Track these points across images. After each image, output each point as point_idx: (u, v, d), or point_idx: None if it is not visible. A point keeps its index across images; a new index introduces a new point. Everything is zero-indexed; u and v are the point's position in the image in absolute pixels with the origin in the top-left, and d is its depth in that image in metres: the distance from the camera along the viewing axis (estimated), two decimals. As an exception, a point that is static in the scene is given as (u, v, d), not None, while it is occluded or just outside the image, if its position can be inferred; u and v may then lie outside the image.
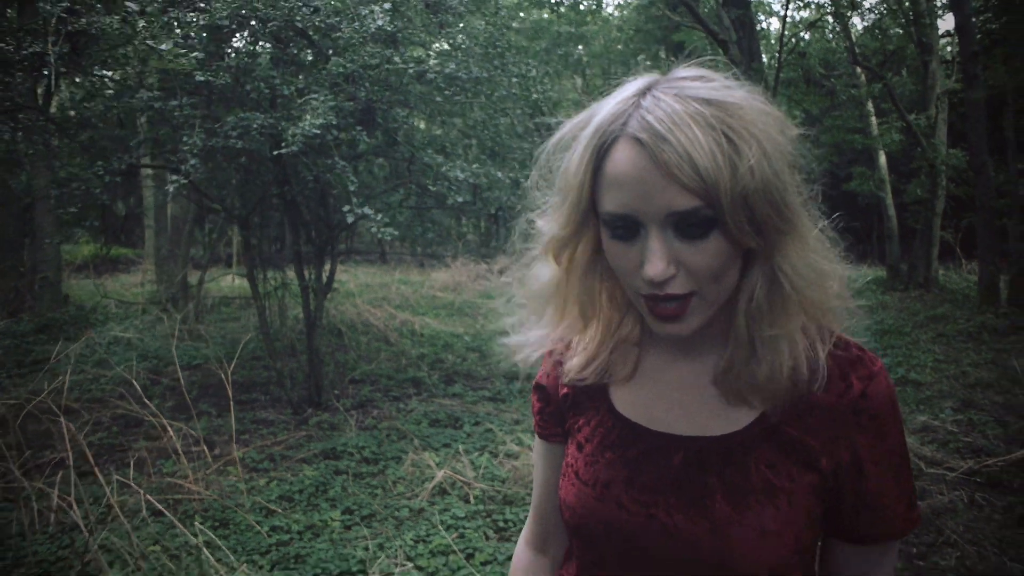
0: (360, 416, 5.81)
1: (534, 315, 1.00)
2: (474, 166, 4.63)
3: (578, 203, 0.85)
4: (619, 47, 16.36)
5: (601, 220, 0.84)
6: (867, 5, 12.52)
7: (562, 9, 10.86)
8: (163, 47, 3.85)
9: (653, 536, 0.87)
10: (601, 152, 0.82)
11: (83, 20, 3.93)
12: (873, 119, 13.27)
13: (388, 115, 4.38)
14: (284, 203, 5.88)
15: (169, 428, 4.02)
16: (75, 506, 2.91)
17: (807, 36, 13.37)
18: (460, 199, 4.53)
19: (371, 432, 5.33)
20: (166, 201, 11.25)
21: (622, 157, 0.79)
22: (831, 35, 12.62)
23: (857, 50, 11.96)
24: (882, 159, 13.47)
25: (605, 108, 0.84)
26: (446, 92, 4.47)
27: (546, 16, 13.96)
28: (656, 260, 0.78)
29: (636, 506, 0.88)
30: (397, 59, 4.04)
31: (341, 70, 3.95)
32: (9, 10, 7.16)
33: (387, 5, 4.21)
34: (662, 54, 18.18)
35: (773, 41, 13.74)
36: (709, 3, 10.85)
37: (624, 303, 0.96)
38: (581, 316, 0.96)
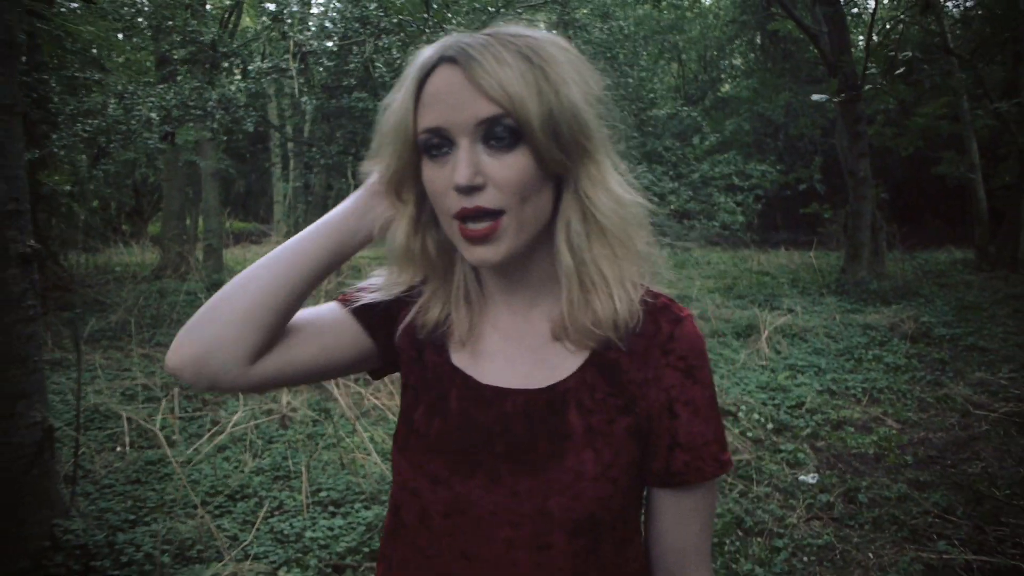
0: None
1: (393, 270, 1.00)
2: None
3: (405, 132, 0.88)
4: (716, 33, 17.07)
5: (420, 148, 0.88)
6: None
7: (663, 3, 11.71)
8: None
9: (476, 487, 0.89)
10: (422, 81, 0.86)
11: (313, 43, 5.21)
12: (966, 104, 13.59)
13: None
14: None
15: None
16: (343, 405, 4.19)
17: (902, 24, 13.76)
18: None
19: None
20: (308, 180, 12.80)
21: (438, 77, 0.85)
22: (927, 23, 13.02)
23: (949, 37, 12.38)
24: (973, 144, 13.80)
25: (425, 52, 0.89)
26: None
27: (648, 9, 14.85)
28: (463, 166, 0.82)
29: (463, 456, 0.91)
30: None
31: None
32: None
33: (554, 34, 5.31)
34: (758, 39, 18.67)
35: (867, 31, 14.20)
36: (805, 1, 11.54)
37: (454, 256, 0.98)
38: (423, 268, 0.98)
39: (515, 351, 0.96)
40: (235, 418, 5.09)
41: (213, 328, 0.91)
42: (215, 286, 11.24)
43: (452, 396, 0.95)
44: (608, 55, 6.49)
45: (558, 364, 0.93)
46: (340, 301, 1.03)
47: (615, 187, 0.90)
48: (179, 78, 7.74)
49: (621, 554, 0.92)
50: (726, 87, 20.53)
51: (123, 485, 4.06)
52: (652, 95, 7.56)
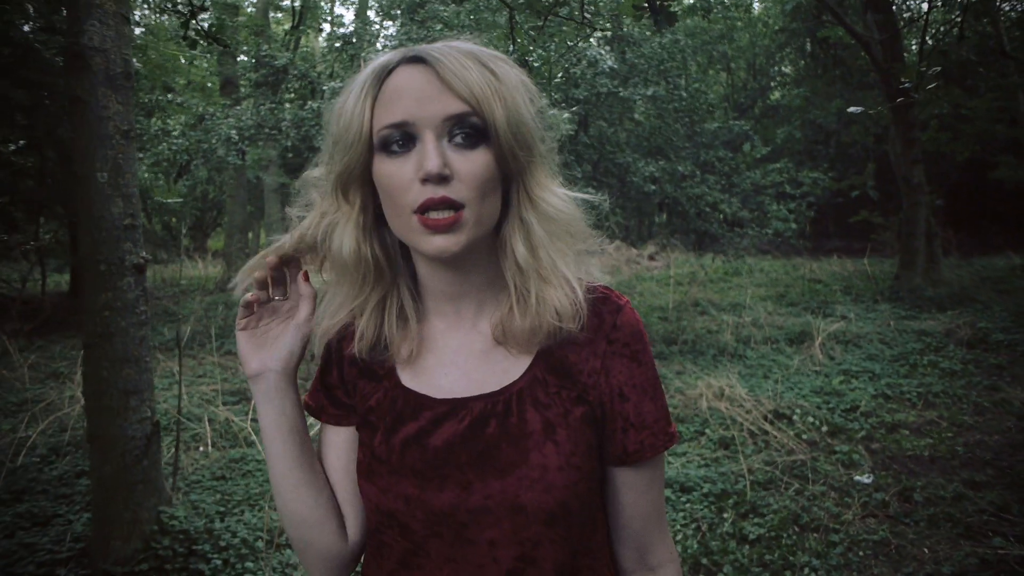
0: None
1: (342, 283, 1.00)
2: (660, 163, 6.00)
3: (359, 130, 0.90)
4: (765, 42, 17.09)
5: (376, 146, 0.90)
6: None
7: (714, 15, 11.82)
8: None
9: (450, 498, 0.92)
10: (380, 82, 0.89)
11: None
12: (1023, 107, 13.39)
13: (596, 125, 5.83)
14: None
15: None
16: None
17: (957, 25, 13.61)
18: (653, 187, 5.92)
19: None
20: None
21: (402, 75, 0.88)
22: (982, 24, 12.90)
23: (1005, 39, 12.24)
24: (1033, 147, 13.56)
25: (376, 60, 0.93)
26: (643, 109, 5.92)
27: (698, 19, 14.95)
28: (434, 156, 0.85)
29: (431, 471, 0.93)
30: (623, 91, 5.50)
31: (582, 95, 5.43)
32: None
33: (608, 50, 5.66)
34: (808, 47, 18.59)
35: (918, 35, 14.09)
36: (856, 5, 11.55)
37: (392, 272, 1.00)
38: (372, 276, 0.98)
39: (465, 360, 0.98)
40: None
41: (310, 562, 1.06)
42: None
43: (407, 417, 0.97)
44: (661, 67, 6.72)
45: (508, 367, 0.97)
46: (308, 411, 1.09)
47: (558, 192, 0.96)
48: (244, 100, 8.15)
49: (591, 533, 0.97)
50: (776, 94, 20.48)
51: (209, 480, 4.36)
52: (708, 106, 7.73)
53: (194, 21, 3.52)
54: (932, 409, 5.62)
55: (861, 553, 3.51)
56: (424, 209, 0.86)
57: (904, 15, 15.34)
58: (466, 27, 5.90)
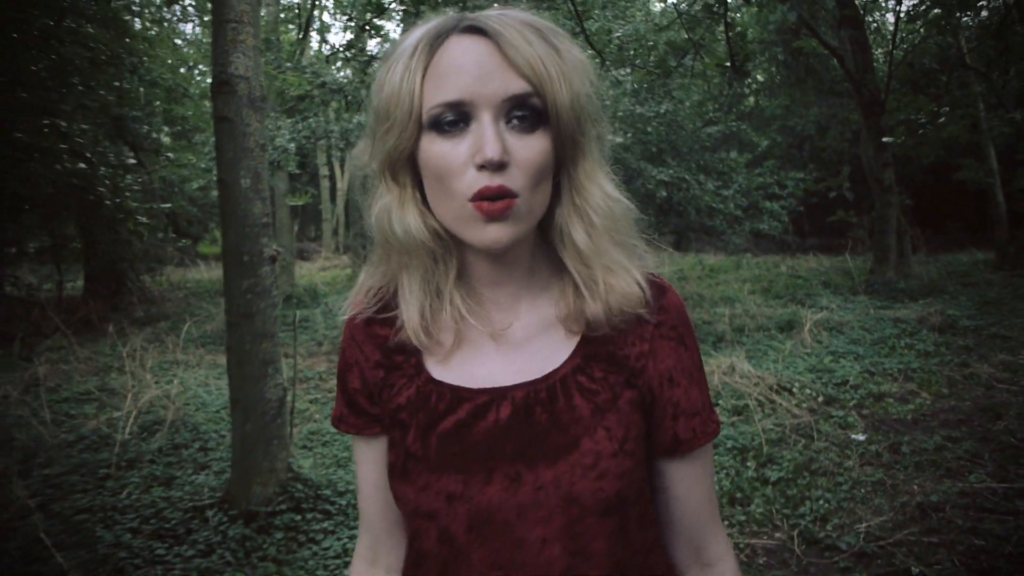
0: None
1: (413, 268, 0.92)
2: (670, 171, 6.74)
3: (409, 106, 0.82)
4: (741, 53, 17.91)
5: (425, 124, 0.83)
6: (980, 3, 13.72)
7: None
8: None
9: (497, 492, 0.86)
10: (431, 53, 0.82)
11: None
12: (983, 113, 14.36)
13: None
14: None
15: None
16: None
17: (921, 31, 14.57)
18: (664, 194, 6.65)
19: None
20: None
21: (458, 48, 0.81)
22: (941, 34, 13.84)
23: (966, 48, 13.21)
24: (992, 150, 14.56)
25: (425, 26, 0.86)
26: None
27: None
28: (494, 142, 0.78)
29: (476, 465, 0.87)
30: (640, 109, 6.22)
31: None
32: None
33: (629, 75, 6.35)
34: (780, 55, 19.50)
35: (886, 44, 15.03)
36: (830, 19, 12.43)
37: (440, 256, 0.92)
38: (427, 257, 0.91)
39: (504, 349, 0.93)
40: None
41: None
42: (286, 300, 12.24)
43: (444, 412, 0.91)
44: (664, 89, 7.45)
45: (549, 354, 0.92)
46: (342, 428, 1.03)
47: (606, 182, 0.90)
48: (295, 112, 8.75)
49: (644, 528, 0.93)
50: (750, 100, 21.41)
51: (298, 449, 4.99)
52: (709, 113, 8.45)
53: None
54: (911, 382, 6.41)
55: (863, 490, 4.24)
56: (479, 197, 0.81)
57: (872, 27, 16.28)
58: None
